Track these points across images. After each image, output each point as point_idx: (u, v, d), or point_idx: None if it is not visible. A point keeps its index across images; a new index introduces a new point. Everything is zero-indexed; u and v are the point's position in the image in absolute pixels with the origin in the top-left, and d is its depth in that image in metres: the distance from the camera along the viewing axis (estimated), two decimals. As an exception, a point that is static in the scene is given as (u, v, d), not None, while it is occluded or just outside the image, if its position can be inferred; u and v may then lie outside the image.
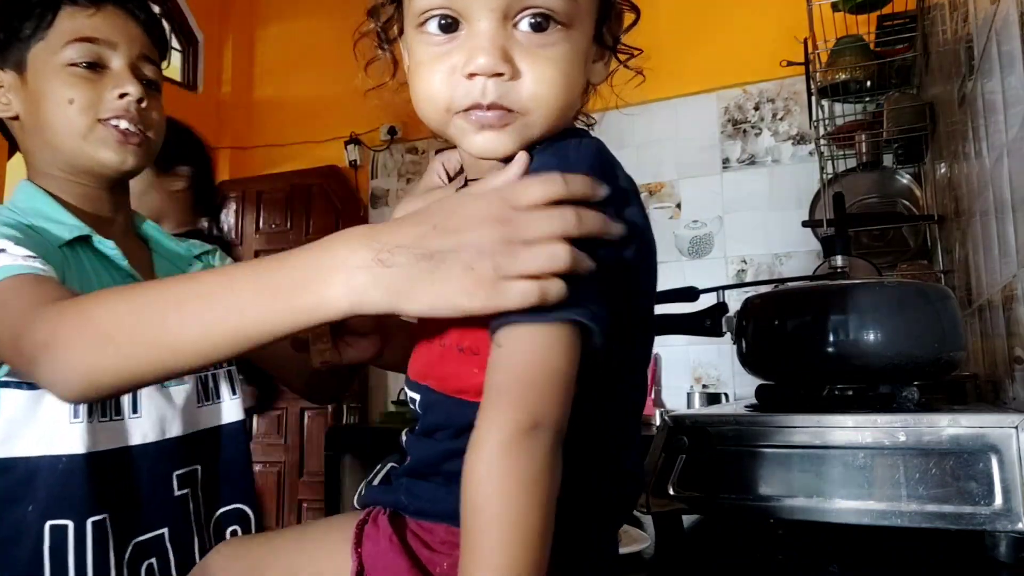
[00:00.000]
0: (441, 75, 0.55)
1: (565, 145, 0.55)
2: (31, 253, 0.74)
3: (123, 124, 0.88)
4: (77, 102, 0.86)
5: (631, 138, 3.35)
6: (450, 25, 0.54)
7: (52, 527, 0.77)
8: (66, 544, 0.77)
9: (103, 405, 0.82)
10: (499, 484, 0.48)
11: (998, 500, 0.78)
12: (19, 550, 0.76)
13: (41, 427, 0.79)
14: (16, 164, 3.39)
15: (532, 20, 0.53)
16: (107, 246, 0.86)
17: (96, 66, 0.87)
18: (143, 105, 0.89)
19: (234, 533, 0.94)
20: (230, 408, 0.97)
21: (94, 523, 0.78)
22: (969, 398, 1.40)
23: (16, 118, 0.90)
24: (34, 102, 0.88)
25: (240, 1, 4.51)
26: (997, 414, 0.82)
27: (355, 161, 4.13)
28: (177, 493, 0.88)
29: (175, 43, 4.34)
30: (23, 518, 0.77)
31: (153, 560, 0.83)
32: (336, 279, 0.51)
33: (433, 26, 0.55)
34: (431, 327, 0.61)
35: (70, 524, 0.77)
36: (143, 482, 0.84)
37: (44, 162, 0.90)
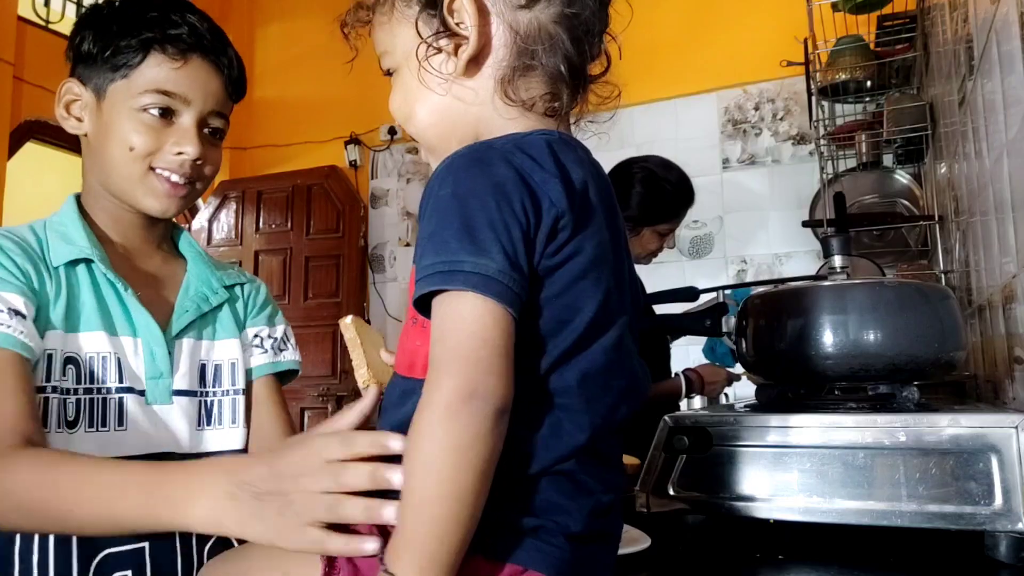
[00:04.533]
0: (397, 99, 0.70)
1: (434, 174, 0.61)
2: (19, 307, 0.80)
3: (174, 178, 0.92)
4: (137, 149, 0.90)
5: (631, 138, 3.35)
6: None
7: (22, 536, 0.80)
8: (31, 546, 0.80)
9: (91, 416, 0.85)
10: (434, 448, 0.53)
11: (998, 500, 0.78)
12: None
13: None
14: (14, 165, 3.40)
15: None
16: (109, 275, 0.89)
17: (167, 113, 0.91)
18: (199, 162, 0.93)
19: (213, 547, 0.94)
20: (230, 436, 0.97)
21: (58, 537, 0.81)
22: (969, 398, 1.40)
23: (84, 135, 0.94)
24: (102, 131, 0.91)
25: (240, 1, 4.51)
26: (997, 414, 0.82)
27: (355, 161, 4.13)
28: None
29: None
30: None
31: (129, 572, 0.84)
32: (200, 504, 0.64)
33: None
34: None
35: (35, 535, 0.80)
36: None
37: (96, 182, 0.95)
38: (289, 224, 4.21)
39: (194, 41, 0.91)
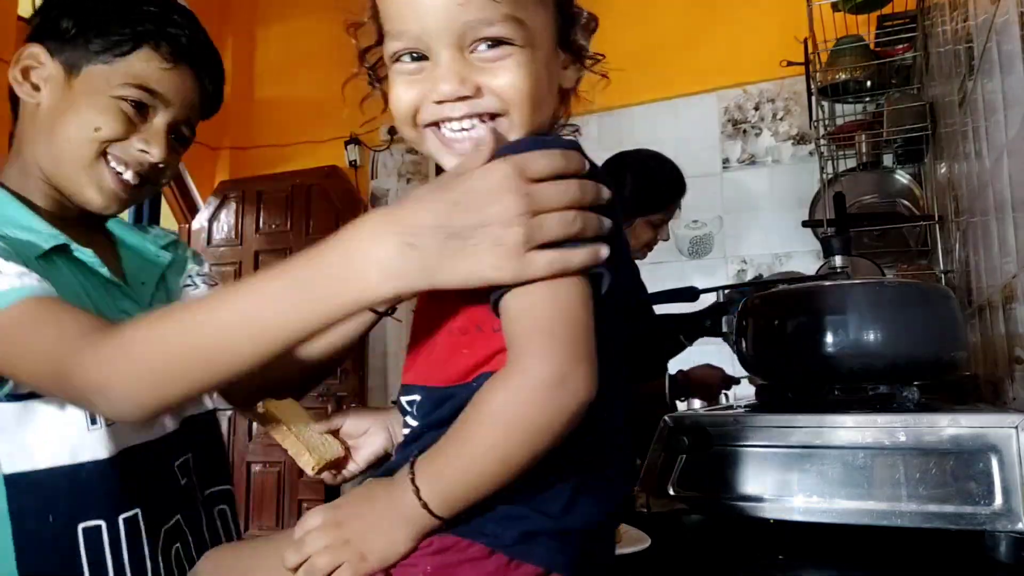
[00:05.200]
0: (411, 94, 0.61)
1: (543, 138, 0.60)
2: (23, 269, 0.74)
3: (127, 175, 0.88)
4: (103, 132, 0.85)
5: (631, 138, 3.35)
6: (419, 57, 0.61)
7: (85, 529, 0.79)
8: (101, 543, 0.79)
9: (84, 416, 0.81)
10: (502, 425, 0.52)
11: (998, 500, 0.78)
12: (50, 558, 0.78)
13: (57, 437, 0.79)
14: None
15: (485, 45, 0.59)
16: (86, 255, 0.86)
17: (143, 108, 0.87)
18: (160, 166, 0.90)
19: (222, 512, 0.97)
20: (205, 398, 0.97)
21: (125, 519, 0.81)
22: (969, 398, 1.40)
23: (36, 105, 0.88)
24: (64, 107, 0.87)
25: (240, 1, 4.51)
26: (997, 414, 0.82)
27: (355, 161, 4.13)
28: (182, 482, 0.90)
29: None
30: (44, 528, 0.77)
31: (179, 545, 0.86)
32: (371, 270, 0.55)
33: (407, 59, 0.61)
34: (422, 320, 0.64)
35: (103, 524, 0.80)
36: (157, 473, 0.87)
37: (34, 163, 0.88)
38: (289, 224, 4.21)
39: (189, 49, 0.89)
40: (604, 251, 0.54)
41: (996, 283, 1.26)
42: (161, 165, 0.90)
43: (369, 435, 0.83)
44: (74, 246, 0.85)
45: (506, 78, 0.59)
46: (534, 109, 0.60)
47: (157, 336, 0.63)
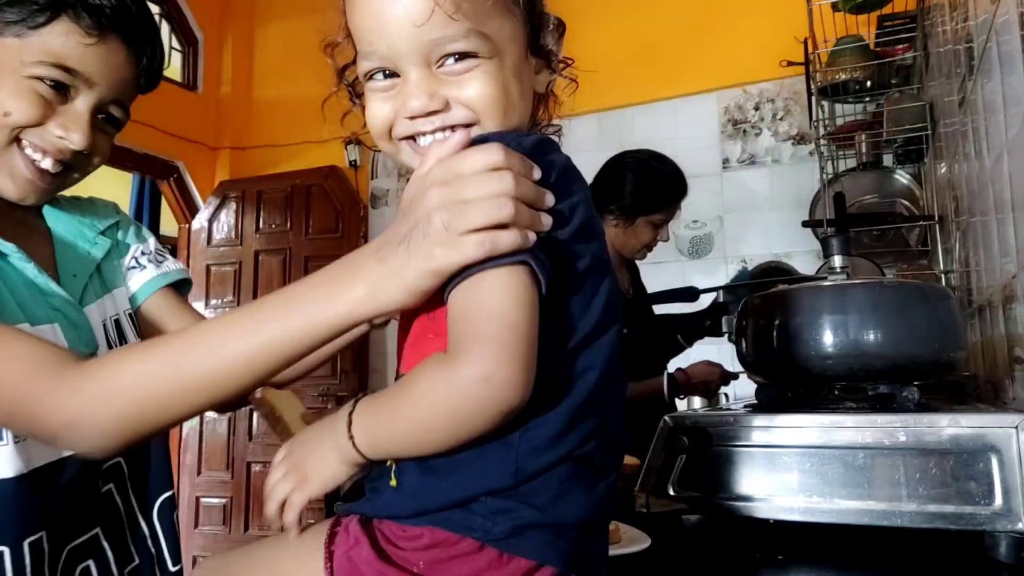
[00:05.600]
0: (384, 110, 0.64)
1: (507, 134, 0.61)
2: None
3: (45, 163, 0.79)
4: (14, 116, 0.76)
5: (631, 138, 3.35)
6: (391, 74, 0.63)
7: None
8: (3, 571, 0.72)
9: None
10: (429, 411, 0.55)
11: (998, 500, 0.78)
12: None
13: None
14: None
15: (452, 60, 0.61)
16: (9, 249, 0.77)
17: (61, 88, 0.77)
18: (85, 152, 0.81)
19: (173, 520, 0.91)
20: None
21: (30, 544, 0.74)
22: (969, 398, 1.40)
23: None
24: None
25: (240, 1, 4.51)
26: (997, 414, 0.82)
27: (355, 161, 4.13)
28: (103, 490, 0.83)
29: (175, 43, 4.35)
30: None
31: (90, 562, 0.79)
32: (355, 286, 0.57)
33: (379, 77, 0.64)
34: (407, 320, 0.65)
35: (6, 551, 0.72)
36: (72, 487, 0.78)
37: None
38: (289, 224, 4.21)
39: (116, 18, 0.78)
40: (532, 237, 0.55)
41: (996, 283, 1.26)
42: (86, 152, 0.80)
43: None
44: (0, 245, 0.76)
45: (473, 89, 0.61)
46: (504, 116, 0.62)
47: (140, 370, 0.60)
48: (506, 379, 0.52)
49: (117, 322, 0.88)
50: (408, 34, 0.60)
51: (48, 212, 0.88)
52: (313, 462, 0.63)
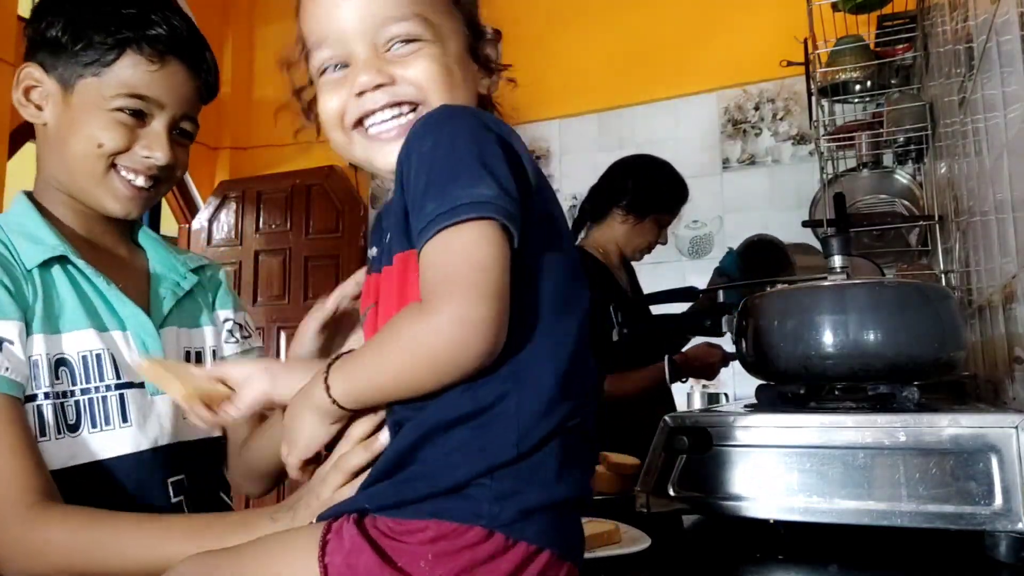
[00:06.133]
0: (336, 98, 0.67)
1: (456, 106, 0.64)
2: None
3: (139, 181, 0.90)
4: (106, 147, 0.87)
5: (631, 138, 3.35)
6: (342, 66, 0.67)
7: None
8: None
9: (92, 416, 0.84)
10: (405, 350, 0.56)
11: (998, 500, 0.78)
12: None
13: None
14: (14, 165, 3.39)
15: (399, 43, 0.66)
16: (83, 265, 0.87)
17: (139, 115, 0.89)
18: (167, 166, 0.91)
19: None
20: None
21: None
22: (969, 398, 1.40)
23: (43, 125, 0.91)
24: (67, 124, 0.88)
25: (240, 1, 4.51)
26: (997, 414, 0.82)
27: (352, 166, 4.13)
28: (173, 500, 0.89)
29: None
30: None
31: None
32: (249, 536, 0.67)
33: (331, 70, 0.68)
34: (369, 322, 0.67)
35: None
36: (132, 490, 0.85)
37: (52, 176, 0.92)
38: (289, 224, 4.21)
39: (172, 43, 0.89)
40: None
41: (996, 283, 1.26)
42: (171, 164, 0.91)
43: (251, 380, 0.77)
44: (72, 257, 0.86)
45: (419, 66, 0.65)
46: (450, 94, 0.67)
47: (64, 541, 0.73)
48: (481, 318, 0.54)
49: (200, 354, 0.99)
50: (357, 14, 0.65)
51: (146, 240, 1.01)
52: (297, 424, 0.65)
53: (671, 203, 2.06)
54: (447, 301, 0.55)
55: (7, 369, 0.77)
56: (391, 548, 0.57)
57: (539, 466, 0.58)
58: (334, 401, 0.61)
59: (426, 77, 0.65)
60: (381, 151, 0.68)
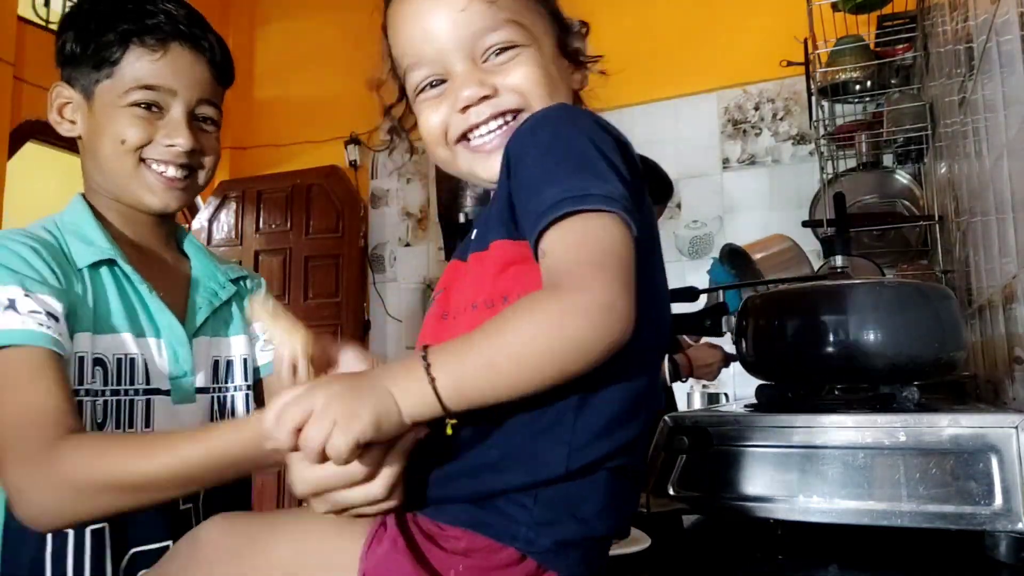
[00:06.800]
0: (437, 116, 0.66)
1: (568, 105, 0.64)
2: (39, 307, 0.78)
3: (169, 172, 0.91)
4: (129, 142, 0.89)
5: (631, 138, 3.34)
6: (440, 82, 0.66)
7: (53, 536, 0.80)
8: (66, 549, 0.81)
9: (118, 417, 0.85)
10: (541, 333, 0.50)
11: (998, 500, 0.78)
12: (25, 550, 0.80)
13: None
14: (14, 165, 3.40)
15: (495, 52, 0.64)
16: (128, 270, 0.89)
17: (155, 106, 0.90)
18: (195, 151, 0.92)
19: None
20: None
21: (93, 532, 0.82)
22: (969, 398, 1.40)
23: (79, 137, 0.94)
24: (95, 131, 0.91)
25: (240, 1, 4.51)
26: (997, 414, 0.82)
27: (355, 161, 4.13)
28: (182, 507, 0.90)
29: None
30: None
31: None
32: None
33: (429, 88, 0.67)
34: (447, 308, 0.63)
35: (70, 532, 0.81)
36: None
37: (96, 183, 0.94)
38: (289, 224, 4.21)
39: (171, 28, 0.89)
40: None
41: (996, 283, 1.26)
42: (195, 149, 0.92)
43: (353, 364, 0.79)
44: (120, 261, 0.88)
45: (520, 72, 0.64)
46: (551, 98, 0.65)
47: (93, 466, 0.71)
48: (625, 310, 0.51)
49: (229, 363, 1.00)
50: (451, 28, 0.63)
51: (189, 248, 1.03)
52: (364, 400, 0.50)
53: (660, 194, 2.11)
54: (591, 285, 0.51)
55: (60, 334, 0.79)
56: (428, 550, 0.56)
57: (584, 497, 0.57)
58: (438, 394, 0.50)
59: (527, 83, 0.64)
60: (484, 163, 0.66)
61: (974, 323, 1.52)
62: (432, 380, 0.50)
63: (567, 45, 0.71)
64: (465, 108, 0.64)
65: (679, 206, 3.42)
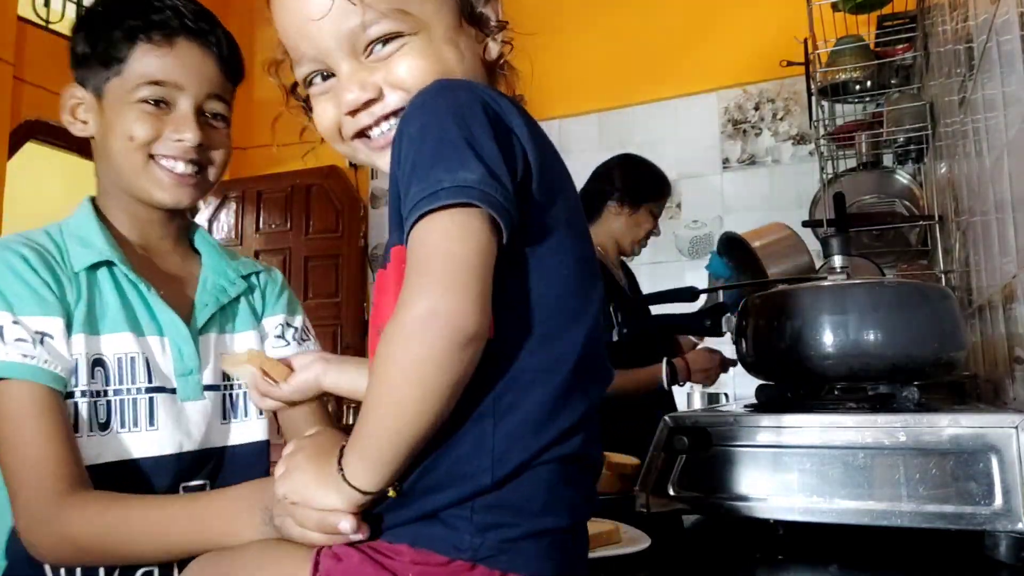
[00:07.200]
0: (328, 112, 0.65)
1: (447, 80, 0.60)
2: (26, 334, 0.79)
3: (179, 167, 0.91)
4: (137, 138, 0.89)
5: (631, 138, 3.35)
6: (328, 75, 0.64)
7: None
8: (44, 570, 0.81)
9: (123, 416, 0.86)
10: (391, 365, 0.52)
11: (998, 500, 0.78)
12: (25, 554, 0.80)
13: None
14: (15, 165, 3.40)
15: (379, 45, 0.61)
16: (126, 271, 0.89)
17: (163, 103, 0.90)
18: (203, 147, 0.92)
19: None
20: (255, 428, 0.98)
21: None
22: (969, 398, 1.40)
23: (92, 138, 0.94)
24: (105, 129, 0.92)
25: (240, 1, 4.51)
26: (997, 414, 0.82)
27: (354, 166, 4.14)
28: None
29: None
30: None
31: (155, 569, 0.84)
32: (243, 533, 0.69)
33: (317, 80, 0.65)
34: (380, 321, 0.62)
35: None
36: (146, 492, 0.86)
37: (109, 182, 0.95)
38: (289, 224, 4.22)
39: (178, 23, 0.89)
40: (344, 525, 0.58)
41: (996, 283, 1.26)
42: (204, 145, 0.91)
43: (307, 366, 0.87)
44: (118, 262, 0.88)
45: (404, 66, 0.61)
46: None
47: (96, 534, 0.75)
48: (453, 309, 0.50)
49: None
50: (329, 27, 0.60)
51: (200, 243, 1.02)
52: (311, 486, 0.58)
53: (659, 191, 2.13)
54: (417, 296, 0.51)
55: (46, 362, 0.79)
56: (380, 559, 0.56)
57: (522, 498, 0.56)
58: (347, 481, 0.56)
59: (413, 77, 0.61)
60: (384, 157, 0.63)
61: (974, 323, 1.52)
62: (344, 479, 0.56)
63: (472, 13, 0.66)
64: (353, 112, 0.62)
65: (679, 206, 3.42)
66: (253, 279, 1.05)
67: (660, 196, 2.14)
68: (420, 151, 0.55)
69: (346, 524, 0.56)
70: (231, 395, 0.97)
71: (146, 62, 0.89)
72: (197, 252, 1.02)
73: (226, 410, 0.96)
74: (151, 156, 0.90)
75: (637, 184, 2.08)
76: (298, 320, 1.08)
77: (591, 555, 0.77)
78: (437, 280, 0.51)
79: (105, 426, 0.84)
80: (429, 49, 0.61)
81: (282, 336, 1.04)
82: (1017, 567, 0.77)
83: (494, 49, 0.68)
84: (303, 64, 0.65)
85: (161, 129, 0.89)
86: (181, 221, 1.01)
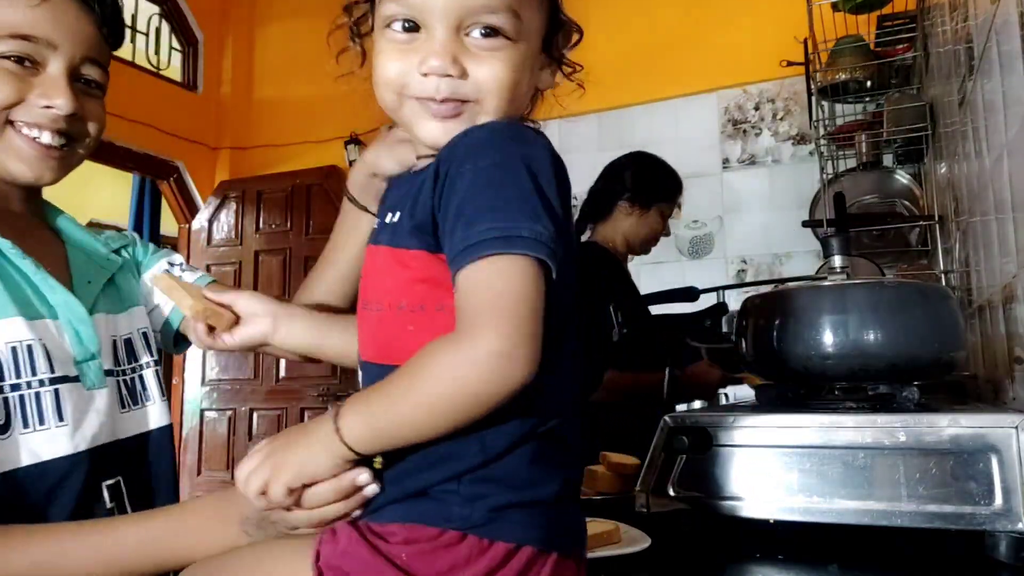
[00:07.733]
0: (399, 65, 0.63)
1: (511, 123, 0.62)
2: None
3: (44, 137, 0.79)
4: None
5: (631, 138, 3.35)
6: (412, 28, 0.62)
7: None
8: None
9: (24, 415, 0.74)
10: (445, 383, 0.54)
11: (998, 500, 0.78)
12: None
13: None
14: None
15: (481, 31, 0.61)
16: (7, 247, 0.77)
17: (29, 61, 0.76)
18: (75, 117, 0.80)
19: None
20: (158, 412, 0.88)
21: None
22: (969, 398, 1.40)
23: None
24: None
25: (240, 1, 4.51)
26: (997, 414, 0.82)
27: (355, 161, 4.13)
28: (108, 505, 0.81)
29: (175, 43, 4.34)
30: None
31: None
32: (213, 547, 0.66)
33: (397, 27, 0.63)
34: (369, 296, 0.65)
35: None
36: (66, 498, 0.76)
37: None
38: (289, 224, 4.21)
39: None
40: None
41: (996, 283, 1.26)
42: (77, 114, 0.80)
43: (255, 318, 0.81)
44: None
45: (492, 69, 0.62)
46: (508, 105, 0.63)
47: (11, 562, 0.64)
48: (524, 356, 0.53)
49: (128, 341, 0.89)
50: None
51: (65, 224, 0.90)
52: (292, 451, 0.59)
53: (671, 192, 2.12)
54: (488, 334, 0.53)
55: None
56: (376, 542, 0.58)
57: (508, 472, 0.58)
58: (342, 440, 0.57)
59: (494, 83, 0.62)
60: (427, 125, 0.64)
61: (974, 323, 1.52)
62: (338, 430, 0.56)
63: (553, 44, 0.68)
64: (427, 75, 0.62)
65: (679, 206, 3.42)
66: (124, 252, 0.95)
67: (671, 198, 2.12)
68: (495, 187, 0.56)
69: (365, 476, 0.58)
70: (127, 380, 0.86)
71: (12, 12, 0.75)
72: (55, 232, 0.89)
73: (123, 397, 0.85)
74: (10, 122, 0.77)
75: (649, 185, 2.06)
76: (177, 258, 0.99)
77: (591, 555, 0.78)
78: (515, 327, 0.53)
79: (5, 428, 0.72)
80: (517, 63, 0.63)
81: (171, 269, 0.95)
82: (1017, 567, 0.77)
83: (548, 81, 0.70)
84: (398, 4, 0.62)
85: (25, 92, 0.76)
86: (39, 199, 0.89)
